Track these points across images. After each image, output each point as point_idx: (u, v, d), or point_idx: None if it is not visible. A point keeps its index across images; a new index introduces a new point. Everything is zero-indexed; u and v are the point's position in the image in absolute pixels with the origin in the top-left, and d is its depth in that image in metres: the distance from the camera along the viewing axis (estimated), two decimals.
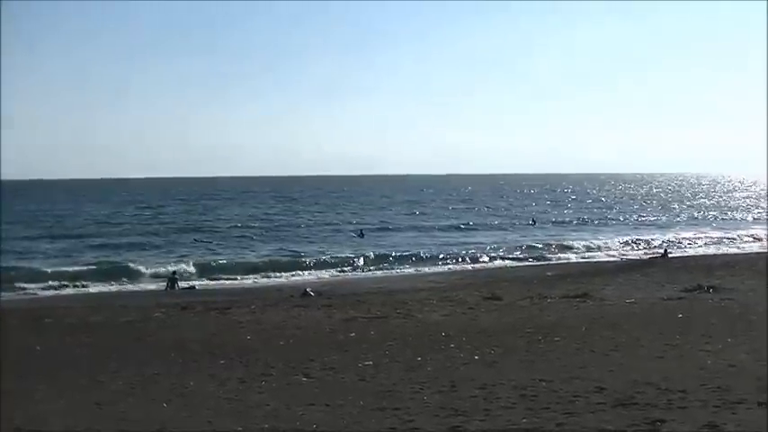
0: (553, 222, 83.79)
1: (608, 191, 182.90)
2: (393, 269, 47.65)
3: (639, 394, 11.13)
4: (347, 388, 12.70)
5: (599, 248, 57.00)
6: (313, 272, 46.35)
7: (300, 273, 45.99)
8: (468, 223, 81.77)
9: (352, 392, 12.29)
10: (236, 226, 78.57)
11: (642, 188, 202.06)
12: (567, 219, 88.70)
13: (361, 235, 69.02)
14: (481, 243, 61.96)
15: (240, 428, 10.44)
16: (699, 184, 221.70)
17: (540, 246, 57.84)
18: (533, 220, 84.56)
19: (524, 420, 10.12)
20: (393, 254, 52.64)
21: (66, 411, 11.74)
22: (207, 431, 10.45)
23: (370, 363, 14.76)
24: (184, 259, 50.93)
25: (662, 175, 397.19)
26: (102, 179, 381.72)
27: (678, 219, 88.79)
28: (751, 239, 61.63)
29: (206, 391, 12.97)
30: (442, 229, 75.96)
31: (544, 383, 12.28)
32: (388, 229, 77.04)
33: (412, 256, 52.05)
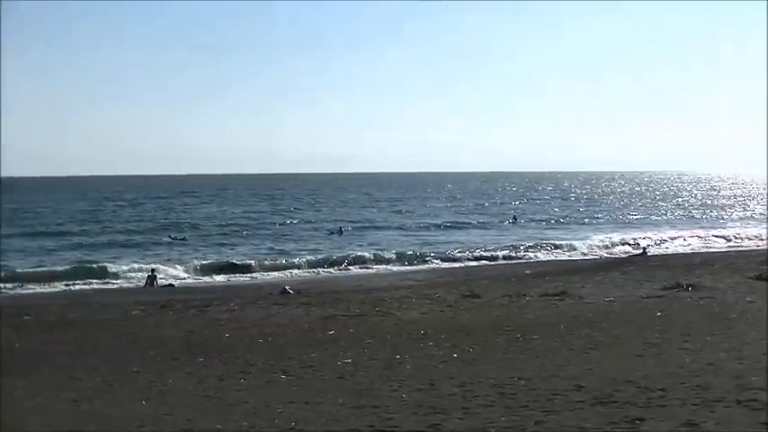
0: (534, 220, 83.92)
1: (590, 189, 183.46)
2: (372, 267, 47.63)
3: (618, 392, 11.18)
4: (326, 386, 12.71)
5: (578, 247, 57.07)
6: (292, 270, 46.30)
7: (279, 270, 45.96)
8: (449, 221, 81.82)
9: (330, 390, 12.29)
10: (214, 224, 78.44)
11: (627, 186, 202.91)
12: (549, 217, 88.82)
13: (340, 233, 68.99)
14: (460, 241, 62.03)
15: (219, 426, 10.43)
16: (687, 182, 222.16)
17: (519, 244, 57.96)
18: (514, 218, 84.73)
19: (503, 418, 10.15)
20: (372, 252, 52.64)
21: (44, 409, 11.70)
22: (186, 429, 10.43)
23: (349, 361, 14.77)
24: (163, 257, 50.83)
25: (649, 172, 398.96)
26: (76, 177, 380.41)
27: (662, 217, 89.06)
28: (733, 238, 61.83)
29: (185, 388, 12.95)
30: (421, 227, 75.95)
31: (523, 381, 12.31)
32: (367, 227, 77.01)
33: (391, 253, 52.03)
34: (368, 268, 47.28)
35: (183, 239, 62.88)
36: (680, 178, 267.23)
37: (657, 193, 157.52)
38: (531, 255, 53.17)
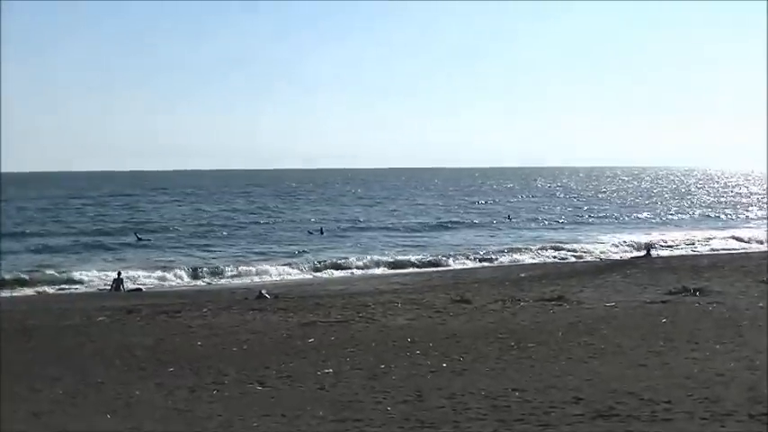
0: (530, 219, 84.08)
1: (590, 185, 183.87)
2: (355, 270, 47.57)
3: (620, 405, 11.16)
4: (305, 397, 12.66)
5: (577, 248, 57.14)
6: (269, 273, 46.21)
7: (255, 273, 45.87)
8: (439, 221, 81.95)
9: (310, 402, 12.24)
10: (188, 224, 78.30)
11: (632, 183, 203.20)
12: (546, 215, 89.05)
13: (321, 233, 69.00)
14: (450, 242, 62.13)
15: None
16: (697, 180, 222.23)
17: (514, 245, 58.04)
18: (509, 217, 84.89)
19: None
20: (355, 253, 52.62)
21: (1, 423, 11.61)
22: None
23: (330, 370, 14.73)
24: (130, 259, 50.70)
25: (653, 168, 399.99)
26: (40, 173, 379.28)
27: (668, 216, 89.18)
28: (745, 239, 61.67)
29: (153, 400, 12.89)
30: (409, 227, 76.02)
31: (517, 393, 12.29)
32: (351, 226, 77.01)
33: (375, 255, 52.01)
34: (351, 271, 47.25)
35: (147, 240, 62.84)
36: (687, 175, 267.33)
37: (666, 190, 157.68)
38: (526, 256, 53.21)
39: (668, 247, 58.36)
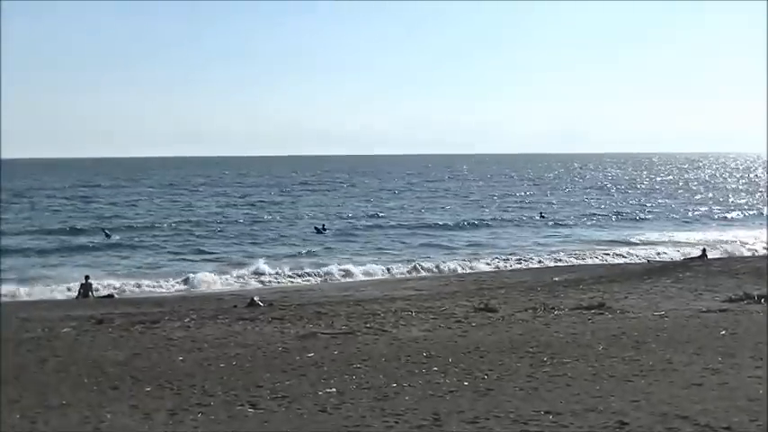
0: (566, 214, 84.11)
1: (639, 174, 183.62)
2: (362, 273, 47.59)
3: (671, 431, 11.14)
4: (303, 421, 12.66)
5: (620, 247, 57.13)
6: (262, 276, 46.27)
7: (247, 277, 45.93)
8: (458, 217, 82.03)
9: (309, 427, 12.24)
10: (167, 219, 78.53)
11: (690, 172, 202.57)
12: (584, 210, 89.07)
13: (323, 230, 69.15)
14: (473, 240, 62.17)
15: None
16: (749, 167, 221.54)
17: (547, 243, 58.07)
18: (542, 214, 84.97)
19: None
20: (363, 254, 52.71)
21: None
22: None
23: (333, 390, 14.72)
24: (100, 261, 50.79)
25: (684, 154, 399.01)
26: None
27: (731, 211, 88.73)
28: None
29: (127, 426, 12.88)
30: (427, 223, 76.11)
31: (551, 417, 12.27)
32: (359, 223, 77.16)
33: (386, 256, 52.08)
34: (357, 275, 47.26)
35: (108, 235, 63.22)
36: (728, 161, 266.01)
37: (731, 180, 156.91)
38: (561, 257, 53.24)
39: (730, 246, 58.20)
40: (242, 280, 45.43)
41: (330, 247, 58.07)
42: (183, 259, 52.58)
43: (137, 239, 63.37)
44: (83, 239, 63.77)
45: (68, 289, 41.12)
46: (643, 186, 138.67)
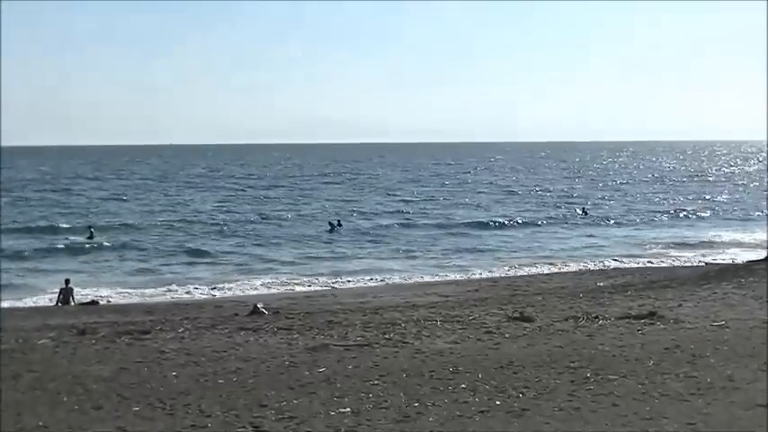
0: (610, 211, 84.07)
1: (692, 165, 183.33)
2: (380, 276, 47.61)
3: None
4: None
5: (673, 248, 57.06)
6: (266, 280, 46.33)
7: (248, 281, 46.00)
8: (489, 213, 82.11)
9: None
10: (161, 213, 78.86)
11: (750, 164, 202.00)
12: (631, 206, 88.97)
13: (338, 226, 69.35)
14: (507, 240, 62.21)
15: None
16: None
17: (591, 244, 58.04)
18: (584, 210, 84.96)
19: None
20: (381, 254, 52.75)
21: None
22: None
23: (347, 410, 14.72)
24: (82, 263, 50.92)
25: (735, 141, 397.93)
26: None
27: None
28: None
29: None
30: (454, 221, 76.15)
31: None
32: (378, 219, 77.26)
33: (407, 256, 52.14)
34: (375, 278, 47.26)
35: (102, 237, 63.39)
36: None
37: None
38: (607, 259, 53.21)
39: None
40: (244, 284, 45.47)
41: (345, 247, 58.12)
42: (178, 261, 52.64)
43: (124, 238, 63.53)
44: (62, 238, 63.98)
45: (46, 294, 41.22)
46: (700, 178, 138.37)
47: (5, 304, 39.92)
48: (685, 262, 51.75)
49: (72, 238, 64.89)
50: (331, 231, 68.30)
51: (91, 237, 63.61)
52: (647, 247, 58.14)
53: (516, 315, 25.31)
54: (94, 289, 43.13)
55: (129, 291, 43.80)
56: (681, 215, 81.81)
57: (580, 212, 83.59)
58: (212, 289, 44.57)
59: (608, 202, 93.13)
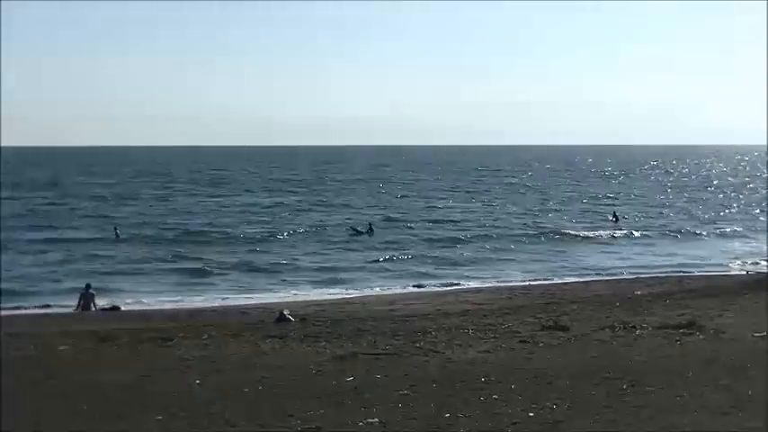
0: (644, 217, 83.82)
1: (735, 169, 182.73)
2: (412, 284, 47.54)
3: None
4: None
5: (713, 256, 56.81)
6: (294, 287, 46.31)
7: (276, 288, 45.98)
8: (523, 222, 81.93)
9: None
10: (189, 216, 79.02)
11: None
12: (668, 211, 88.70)
13: (369, 232, 69.21)
14: (542, 247, 62.09)
15: None
16: None
17: (623, 252, 57.90)
18: (615, 216, 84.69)
19: None
20: (412, 260, 52.73)
21: None
22: None
23: (376, 420, 14.69)
24: (105, 265, 50.96)
25: None
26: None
27: None
28: None
29: None
30: (487, 231, 75.99)
31: None
32: (410, 225, 77.21)
33: (438, 264, 52.07)
34: (405, 286, 47.17)
35: (126, 238, 63.49)
36: None
37: None
38: (642, 268, 53.03)
39: None
40: (270, 290, 45.41)
41: (378, 252, 58.00)
42: (201, 267, 52.59)
43: (149, 241, 63.51)
44: (84, 239, 64.01)
45: (67, 299, 41.21)
46: (740, 183, 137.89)
47: (26, 311, 39.99)
48: (726, 271, 51.50)
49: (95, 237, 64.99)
50: (358, 236, 68.10)
51: (117, 237, 63.70)
52: (687, 252, 57.91)
53: (551, 324, 25.28)
54: (117, 293, 43.13)
55: (152, 295, 43.80)
56: (719, 221, 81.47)
57: (611, 218, 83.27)
58: (237, 295, 44.60)
59: (645, 209, 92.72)
